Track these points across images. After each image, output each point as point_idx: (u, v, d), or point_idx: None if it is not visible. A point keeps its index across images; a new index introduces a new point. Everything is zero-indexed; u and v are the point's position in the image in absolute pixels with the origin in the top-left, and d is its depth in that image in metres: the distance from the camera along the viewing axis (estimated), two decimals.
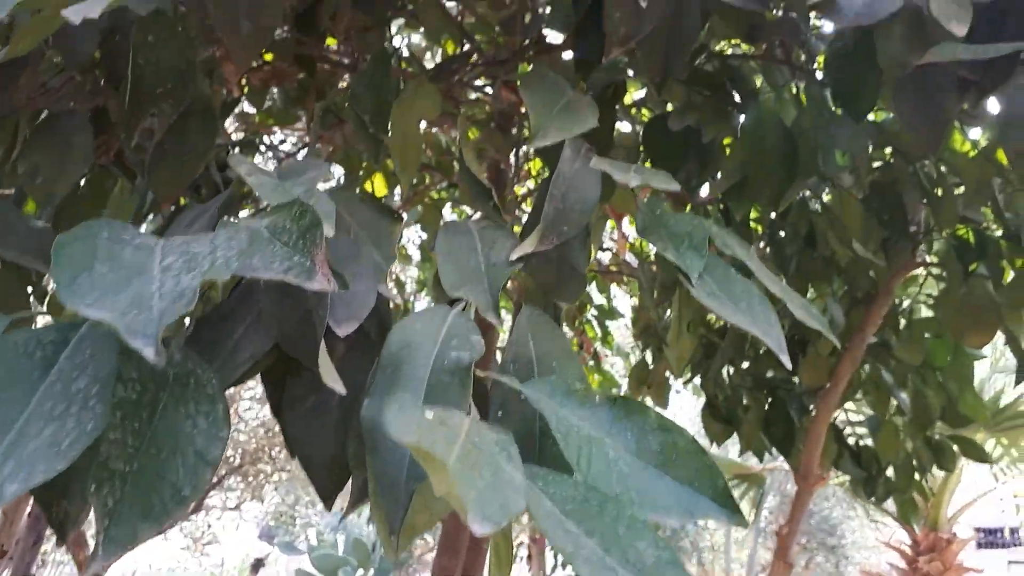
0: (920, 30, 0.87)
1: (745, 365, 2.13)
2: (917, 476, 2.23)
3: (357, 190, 2.03)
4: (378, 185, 2.05)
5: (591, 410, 0.56)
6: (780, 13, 0.93)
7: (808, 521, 9.88)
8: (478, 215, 0.78)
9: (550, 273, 0.75)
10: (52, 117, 0.86)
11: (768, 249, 1.85)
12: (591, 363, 2.74)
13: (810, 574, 10.05)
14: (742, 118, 0.96)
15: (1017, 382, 1.90)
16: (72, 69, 0.77)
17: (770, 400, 1.92)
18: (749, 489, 5.47)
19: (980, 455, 2.15)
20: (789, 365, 0.59)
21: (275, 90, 1.58)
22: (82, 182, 0.98)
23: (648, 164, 1.25)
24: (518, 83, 1.29)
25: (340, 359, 0.60)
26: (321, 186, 0.66)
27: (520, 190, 2.55)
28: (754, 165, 0.89)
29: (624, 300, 3.36)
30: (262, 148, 2.05)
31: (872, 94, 0.94)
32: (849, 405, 2.29)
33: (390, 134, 0.91)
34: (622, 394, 0.57)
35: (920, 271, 2.03)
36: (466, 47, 1.23)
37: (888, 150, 1.53)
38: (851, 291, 1.98)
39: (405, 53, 1.70)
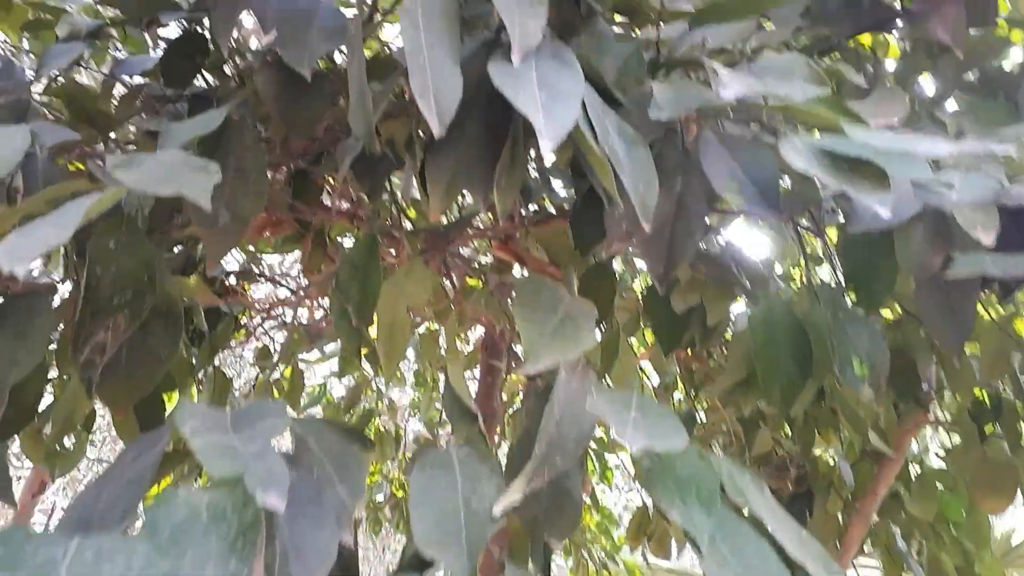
0: (943, 230, 0.82)
1: None
2: None
3: None
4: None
5: None
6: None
7: None
8: (459, 441, 0.70)
9: (539, 507, 0.67)
10: (10, 300, 0.80)
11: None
12: (587, 500, 2.62)
13: None
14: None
15: None
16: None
17: None
18: None
19: None
20: None
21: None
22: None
23: (648, 333, 1.19)
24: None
25: None
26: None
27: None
28: (763, 360, 0.82)
29: None
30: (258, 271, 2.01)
31: (890, 282, 0.88)
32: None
33: (376, 323, 0.85)
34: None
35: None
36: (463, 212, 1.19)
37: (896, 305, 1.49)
38: (860, 443, 1.90)
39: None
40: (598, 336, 1.27)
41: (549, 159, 0.58)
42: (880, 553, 1.88)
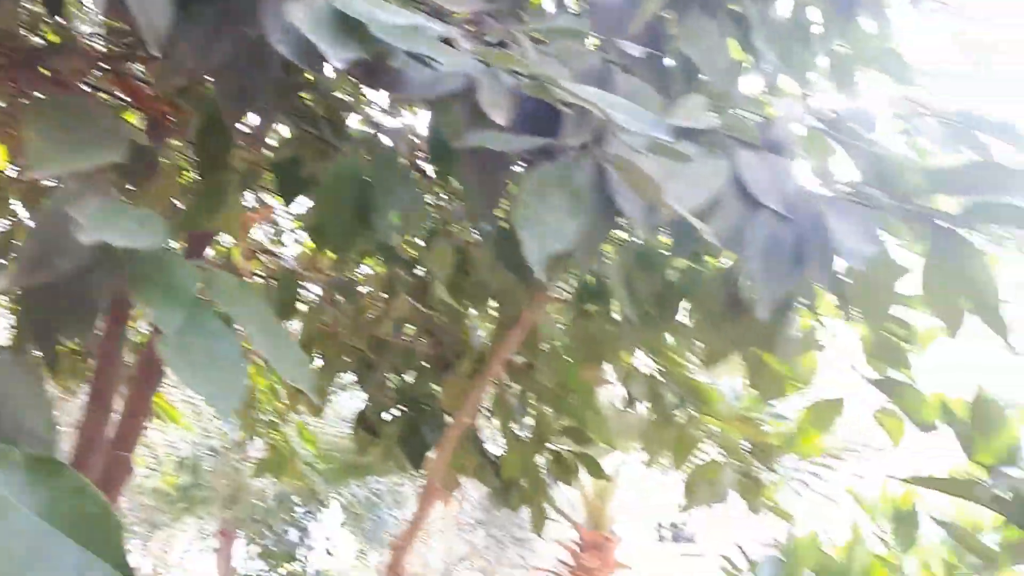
0: (478, 113, 0.95)
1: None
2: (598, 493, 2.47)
3: None
4: None
5: (7, 472, 0.54)
6: None
7: (503, 515, 10.48)
8: None
9: (53, 306, 0.71)
10: None
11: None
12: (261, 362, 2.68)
13: (501, 566, 10.70)
14: None
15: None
16: None
17: (411, 415, 2.02)
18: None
19: (597, 472, 2.42)
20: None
21: None
22: None
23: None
24: None
25: None
26: None
27: None
28: (325, 209, 0.92)
29: None
30: None
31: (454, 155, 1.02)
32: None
33: None
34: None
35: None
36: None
37: None
38: (502, 315, 2.14)
39: None
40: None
41: None
42: (499, 408, 2.16)
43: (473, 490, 10.53)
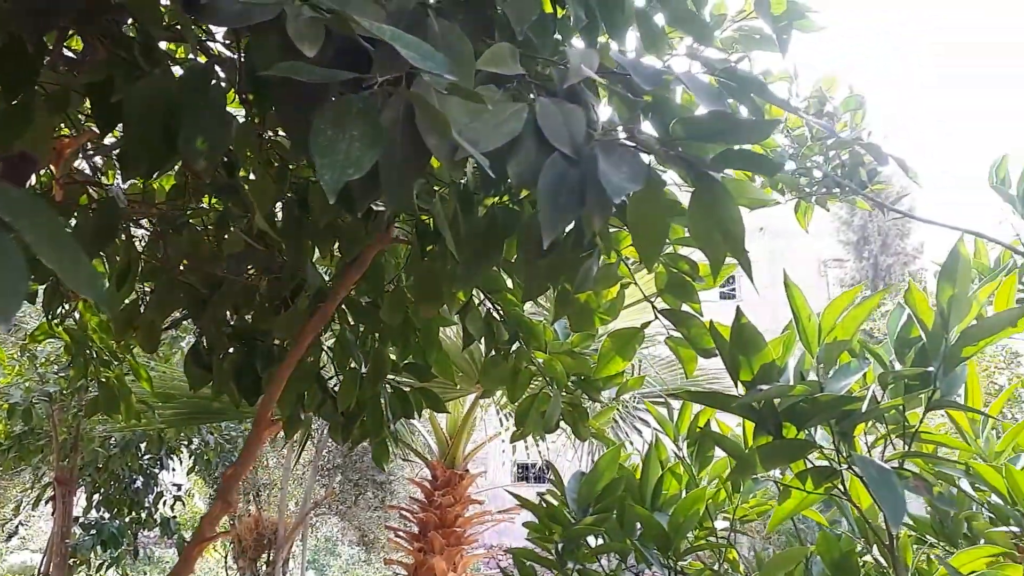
0: (289, 45, 0.98)
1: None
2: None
3: None
4: None
5: None
6: None
7: (362, 460, 10.55)
8: None
9: None
10: None
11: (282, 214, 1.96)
12: None
13: (359, 508, 10.80)
14: None
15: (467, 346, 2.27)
16: None
17: (245, 350, 2.03)
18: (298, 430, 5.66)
19: (437, 406, 2.53)
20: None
21: None
22: None
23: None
24: None
25: None
26: None
27: None
28: (133, 138, 0.93)
29: None
30: None
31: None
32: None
33: None
34: None
35: None
36: None
37: None
38: (344, 254, 2.17)
39: None
40: None
41: None
42: (338, 345, 2.21)
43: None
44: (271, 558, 9.90)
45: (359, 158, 0.86)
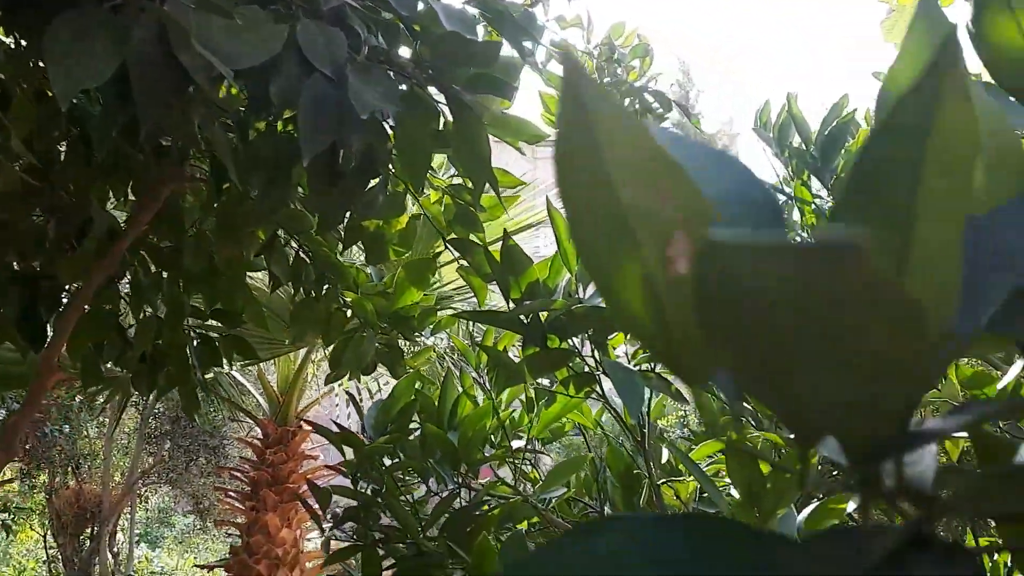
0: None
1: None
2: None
3: None
4: None
5: None
6: None
7: (192, 426, 10.15)
8: None
9: None
10: None
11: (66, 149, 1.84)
12: None
13: (191, 475, 10.42)
14: None
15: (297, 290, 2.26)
16: None
17: (28, 294, 1.92)
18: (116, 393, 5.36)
19: (247, 353, 2.50)
20: None
21: None
22: None
23: None
24: None
25: None
26: None
27: None
28: None
29: None
30: None
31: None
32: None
33: None
34: None
35: None
36: None
37: None
38: (138, 196, 2.09)
39: None
40: None
41: None
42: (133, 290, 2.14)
43: (159, 404, 10.01)
44: (95, 532, 9.38)
45: (100, 69, 0.85)
